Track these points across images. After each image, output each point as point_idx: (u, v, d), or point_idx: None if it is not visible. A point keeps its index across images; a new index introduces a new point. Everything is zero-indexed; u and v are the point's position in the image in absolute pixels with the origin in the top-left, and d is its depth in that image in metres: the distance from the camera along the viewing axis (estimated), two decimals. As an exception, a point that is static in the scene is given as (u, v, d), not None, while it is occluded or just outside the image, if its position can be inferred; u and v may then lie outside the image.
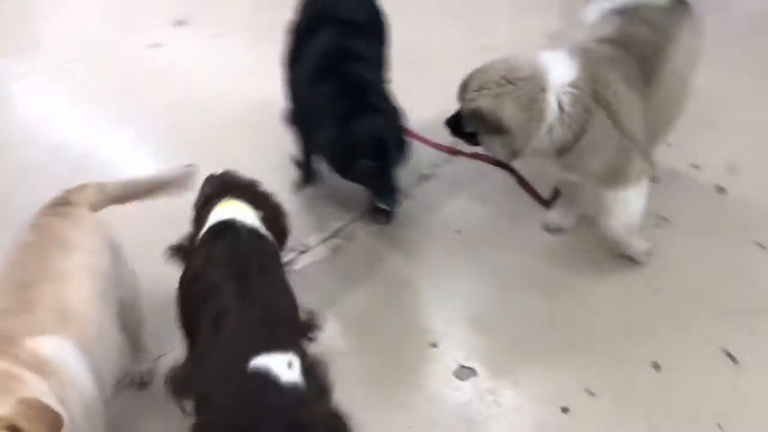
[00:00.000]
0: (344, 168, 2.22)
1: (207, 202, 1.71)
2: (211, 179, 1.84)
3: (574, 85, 1.77)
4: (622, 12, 1.94)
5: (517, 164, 2.31)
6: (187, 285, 1.60)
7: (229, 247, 1.55)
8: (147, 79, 3.20)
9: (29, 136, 3.00)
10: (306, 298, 1.70)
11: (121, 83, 3.20)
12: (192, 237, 1.71)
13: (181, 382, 1.46)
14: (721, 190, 2.64)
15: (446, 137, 2.27)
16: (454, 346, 2.15)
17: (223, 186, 1.77)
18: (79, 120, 3.08)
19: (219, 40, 3.40)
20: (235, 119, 3.00)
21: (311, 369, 1.36)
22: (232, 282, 1.46)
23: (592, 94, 1.79)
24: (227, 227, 1.60)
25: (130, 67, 3.31)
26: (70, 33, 3.72)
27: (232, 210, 1.65)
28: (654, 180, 2.24)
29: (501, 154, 1.92)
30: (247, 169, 1.95)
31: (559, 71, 1.79)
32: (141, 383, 2.01)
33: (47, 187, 1.76)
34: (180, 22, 3.57)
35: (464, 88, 1.90)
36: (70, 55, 3.45)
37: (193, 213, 1.81)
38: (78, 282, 1.50)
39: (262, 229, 1.66)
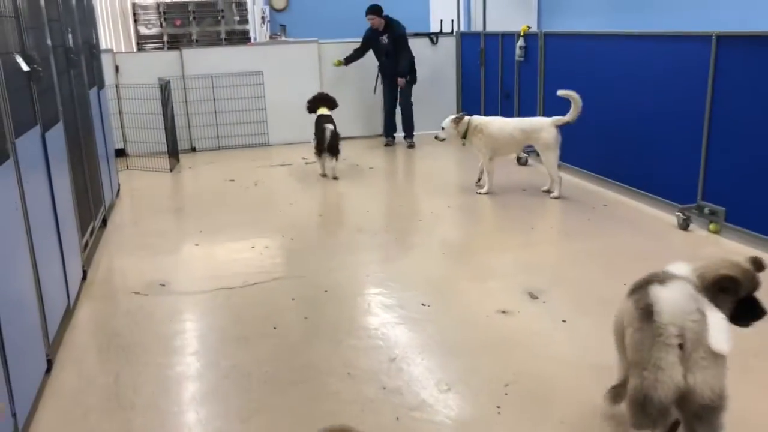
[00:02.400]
0: None
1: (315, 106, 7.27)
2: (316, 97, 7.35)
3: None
4: None
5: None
6: (317, 125, 6.90)
7: (325, 118, 6.93)
8: (488, 341, 3.35)
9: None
10: None
11: (464, 337, 3.40)
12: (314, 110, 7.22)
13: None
14: None
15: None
16: None
17: (319, 99, 7.30)
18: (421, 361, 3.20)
19: (565, 325, 3.49)
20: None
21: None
22: (326, 122, 6.78)
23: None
24: (322, 114, 7.04)
25: (476, 323, 3.52)
26: (429, 278, 4.20)
27: (323, 110, 7.10)
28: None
29: None
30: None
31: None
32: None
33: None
34: (532, 296, 3.77)
35: None
36: (426, 299, 3.81)
37: (309, 106, 7.28)
38: None
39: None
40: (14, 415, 2.51)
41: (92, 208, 4.82)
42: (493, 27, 8.69)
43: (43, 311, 3.09)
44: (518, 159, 7.00)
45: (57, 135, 3.81)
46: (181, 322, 3.64)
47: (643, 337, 2.04)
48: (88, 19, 5.58)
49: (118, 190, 6.44)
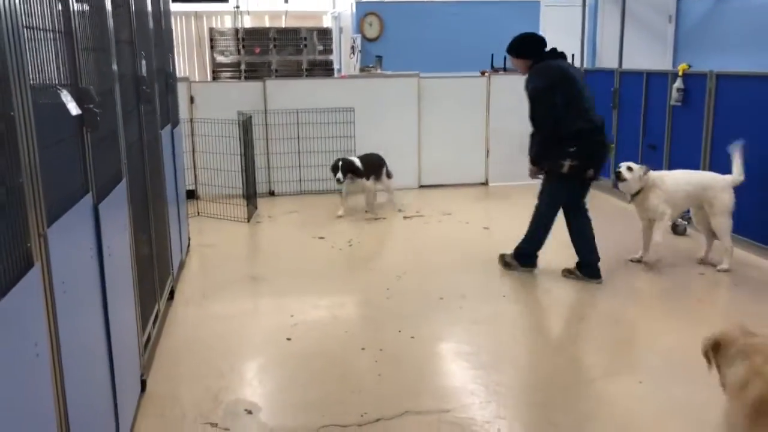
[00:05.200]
0: None
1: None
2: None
3: None
4: None
5: None
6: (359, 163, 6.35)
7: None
8: None
9: None
10: None
11: None
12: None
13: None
14: None
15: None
16: None
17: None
18: None
19: None
20: None
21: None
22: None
23: None
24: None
25: None
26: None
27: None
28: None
29: None
30: None
31: None
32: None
33: None
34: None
35: None
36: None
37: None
38: None
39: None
40: None
41: (157, 285, 3.70)
42: (614, 63, 7.39)
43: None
44: (675, 228, 5.63)
45: (117, 200, 2.71)
46: (280, 490, 2.43)
47: None
48: (165, 42, 4.57)
49: (188, 245, 5.37)
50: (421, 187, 7.74)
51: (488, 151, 7.83)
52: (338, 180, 6.24)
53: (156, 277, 3.65)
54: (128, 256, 2.89)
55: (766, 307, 4.12)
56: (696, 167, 5.59)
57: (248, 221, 6.31)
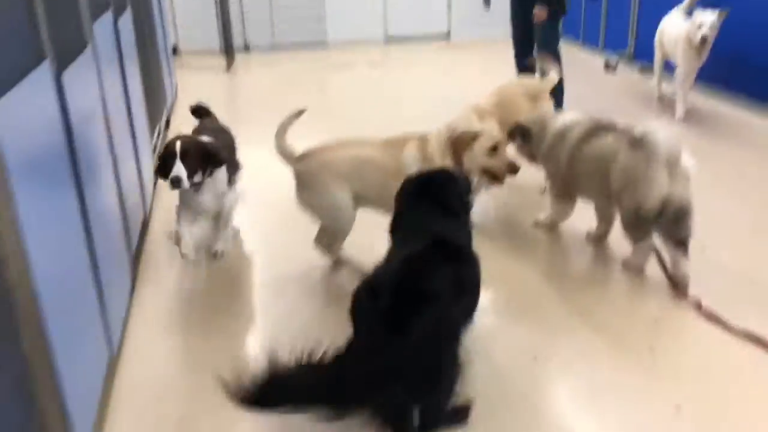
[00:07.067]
0: None
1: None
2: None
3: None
4: None
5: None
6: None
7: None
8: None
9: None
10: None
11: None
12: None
13: None
14: None
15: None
16: None
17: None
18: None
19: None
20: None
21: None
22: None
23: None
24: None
25: None
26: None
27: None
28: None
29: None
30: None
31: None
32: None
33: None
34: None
35: None
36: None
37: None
38: None
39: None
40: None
41: (158, 107, 4.40)
42: None
43: (127, 232, 2.72)
44: (607, 64, 6.33)
45: (126, 22, 3.35)
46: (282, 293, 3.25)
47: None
48: None
49: (176, 90, 5.99)
50: (387, 41, 8.25)
51: (450, 4, 8.30)
52: (174, 183, 2.74)
53: (156, 99, 4.34)
54: (138, 69, 3.55)
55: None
56: (627, 15, 6.23)
57: (227, 71, 6.89)
